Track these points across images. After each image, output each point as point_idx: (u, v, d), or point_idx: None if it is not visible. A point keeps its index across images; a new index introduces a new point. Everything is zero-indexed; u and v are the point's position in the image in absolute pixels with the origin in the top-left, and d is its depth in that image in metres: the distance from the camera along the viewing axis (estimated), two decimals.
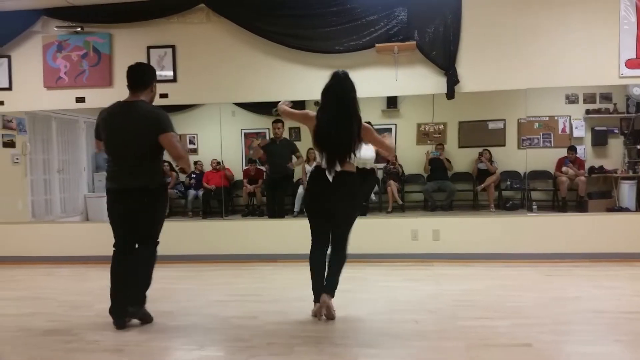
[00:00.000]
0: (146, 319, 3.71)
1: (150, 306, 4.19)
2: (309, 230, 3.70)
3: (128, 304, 3.61)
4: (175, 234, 6.17)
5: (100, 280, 5.22)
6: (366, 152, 6.32)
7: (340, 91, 3.51)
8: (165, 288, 4.85)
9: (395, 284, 4.32)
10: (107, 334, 3.51)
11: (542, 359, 2.90)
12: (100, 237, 6.16)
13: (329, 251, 3.73)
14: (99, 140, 3.69)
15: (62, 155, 7.22)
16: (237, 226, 6.37)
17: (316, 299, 3.71)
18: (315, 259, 3.70)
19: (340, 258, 3.67)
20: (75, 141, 7.37)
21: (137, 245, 3.67)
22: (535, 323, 3.48)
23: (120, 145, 3.53)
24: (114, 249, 3.67)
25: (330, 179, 3.49)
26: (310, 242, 3.74)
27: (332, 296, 3.66)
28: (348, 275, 4.99)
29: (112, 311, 3.61)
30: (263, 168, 7.93)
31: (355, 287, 4.58)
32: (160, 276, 5.29)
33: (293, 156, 7.03)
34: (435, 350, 3.07)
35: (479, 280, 4.32)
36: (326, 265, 3.70)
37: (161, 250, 5.88)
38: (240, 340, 3.31)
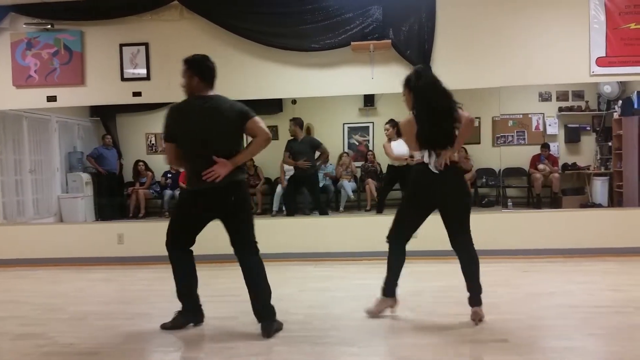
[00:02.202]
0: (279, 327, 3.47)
1: (126, 308, 4.16)
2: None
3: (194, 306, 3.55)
4: (152, 235, 6.06)
5: (74, 282, 5.14)
6: (398, 149, 6.31)
7: (429, 87, 3.50)
8: (141, 289, 4.79)
9: (374, 282, 4.31)
10: (81, 336, 3.44)
11: (519, 354, 2.93)
12: (74, 239, 6.13)
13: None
14: (172, 142, 3.33)
15: (34, 156, 7.06)
16: (213, 226, 6.28)
17: (387, 294, 3.64)
18: (394, 252, 3.68)
19: (471, 257, 3.52)
20: (48, 141, 7.21)
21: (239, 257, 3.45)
22: (511, 318, 3.52)
23: (206, 142, 3.26)
24: (171, 248, 3.49)
25: (437, 172, 3.43)
26: (391, 233, 3.69)
27: (481, 304, 3.46)
28: (326, 273, 4.97)
29: (189, 311, 3.54)
30: None
31: (334, 286, 4.59)
32: (137, 278, 5.27)
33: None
34: (415, 347, 3.09)
35: (457, 277, 4.31)
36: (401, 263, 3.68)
37: (137, 251, 5.91)
38: (220, 341, 3.29)
